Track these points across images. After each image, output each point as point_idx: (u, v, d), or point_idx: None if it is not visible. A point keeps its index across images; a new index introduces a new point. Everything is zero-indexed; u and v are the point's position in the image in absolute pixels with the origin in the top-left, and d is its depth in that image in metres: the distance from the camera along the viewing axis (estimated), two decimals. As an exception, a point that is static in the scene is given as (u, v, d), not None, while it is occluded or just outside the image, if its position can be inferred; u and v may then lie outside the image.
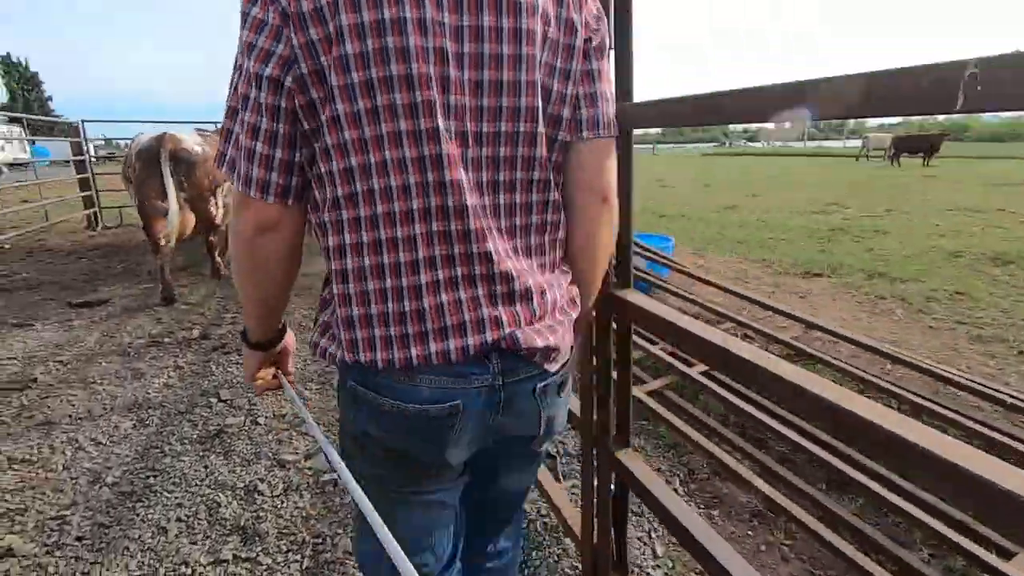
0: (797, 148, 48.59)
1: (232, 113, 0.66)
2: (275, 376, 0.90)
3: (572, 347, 0.79)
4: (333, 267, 0.70)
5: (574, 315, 0.79)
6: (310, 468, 1.98)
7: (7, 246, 6.53)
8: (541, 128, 0.69)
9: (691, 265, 5.25)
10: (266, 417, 2.36)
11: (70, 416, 2.40)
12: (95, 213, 7.85)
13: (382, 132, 0.63)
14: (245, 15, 0.62)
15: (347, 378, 0.73)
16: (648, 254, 4.37)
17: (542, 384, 0.75)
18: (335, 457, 0.68)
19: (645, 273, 4.09)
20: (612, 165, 0.78)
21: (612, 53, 0.86)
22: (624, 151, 0.88)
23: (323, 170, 0.65)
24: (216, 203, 4.31)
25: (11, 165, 18.33)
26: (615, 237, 0.86)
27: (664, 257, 4.36)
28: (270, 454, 2.08)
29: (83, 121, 7.96)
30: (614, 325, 0.98)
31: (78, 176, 7.86)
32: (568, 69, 0.70)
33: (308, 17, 0.59)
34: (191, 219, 4.16)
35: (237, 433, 2.23)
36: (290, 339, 0.89)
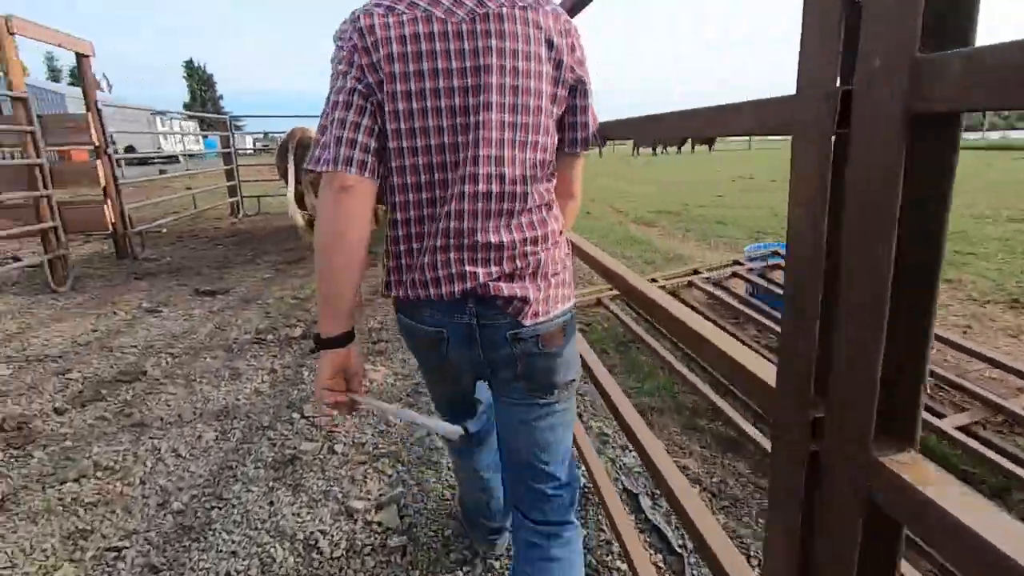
0: (971, 140, 41.02)
1: (322, 130, 0.92)
2: (344, 396, 1.01)
3: (567, 312, 1.03)
4: (388, 234, 1.00)
5: (556, 281, 1.01)
6: (379, 523, 1.68)
7: (164, 230, 7.23)
8: (534, 154, 0.97)
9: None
10: (344, 444, 2.12)
11: (161, 419, 2.35)
12: (237, 202, 8.52)
13: (417, 144, 0.92)
14: (335, 56, 0.92)
15: (397, 310, 1.05)
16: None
17: (512, 332, 0.97)
18: (432, 424, 1.01)
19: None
20: (579, 173, 1.11)
21: None
22: (943, 154, 0.40)
23: (386, 165, 0.95)
24: None
25: (188, 156, 21.05)
26: (576, 215, 1.17)
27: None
28: (339, 496, 1.82)
29: (231, 117, 8.66)
30: (867, 510, 0.49)
31: (224, 167, 8.58)
32: (552, 92, 0.98)
33: (365, 49, 0.88)
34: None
35: (310, 463, 2.01)
36: (357, 351, 1.01)
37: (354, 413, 1.22)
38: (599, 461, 1.84)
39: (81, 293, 4.38)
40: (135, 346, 3.21)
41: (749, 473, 1.96)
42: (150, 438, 2.20)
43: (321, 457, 2.04)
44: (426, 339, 1.00)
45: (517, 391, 1.04)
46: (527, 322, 0.95)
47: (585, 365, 1.95)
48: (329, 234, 0.89)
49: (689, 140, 29.24)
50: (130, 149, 17.69)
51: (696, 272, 3.65)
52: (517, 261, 0.95)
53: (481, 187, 0.92)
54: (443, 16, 0.88)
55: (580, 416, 2.32)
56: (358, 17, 0.89)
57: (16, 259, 5.32)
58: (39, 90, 23.16)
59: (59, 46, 4.74)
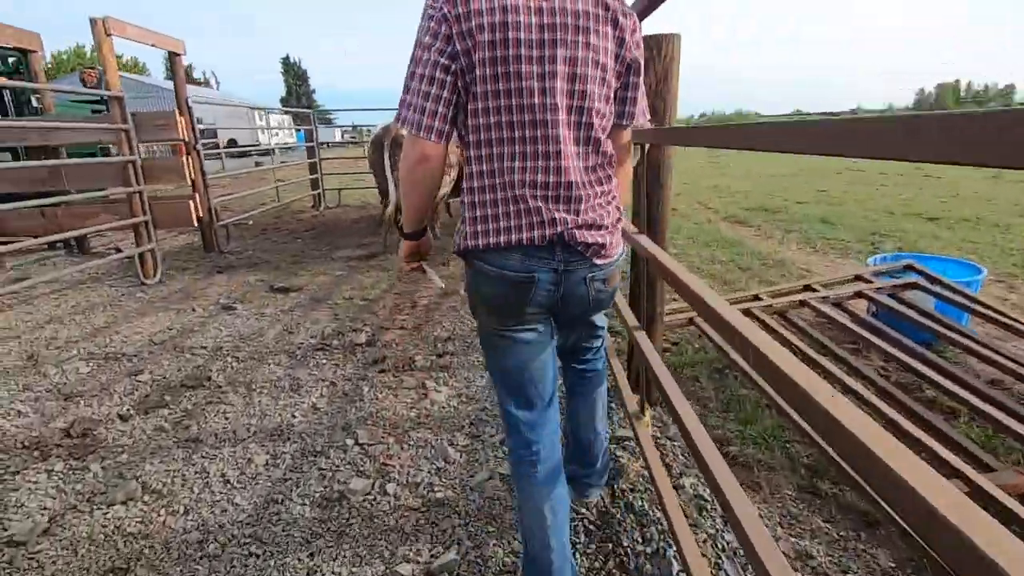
0: None
1: (407, 89, 1.07)
2: (419, 264, 1.40)
3: (621, 255, 1.26)
4: (464, 186, 1.15)
5: (618, 228, 1.24)
6: (427, 598, 1.43)
7: (251, 222, 7.48)
8: (599, 105, 1.14)
9: (994, 299, 3.61)
10: (397, 483, 1.89)
11: (216, 436, 2.24)
12: (319, 194, 8.70)
13: (500, 104, 1.06)
14: (422, 25, 1.05)
15: (470, 257, 1.17)
16: (939, 290, 2.98)
17: (590, 275, 1.18)
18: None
19: (932, 320, 2.76)
20: (628, 143, 1.33)
21: None
22: None
23: (468, 123, 1.10)
24: None
25: (282, 148, 22.28)
26: (630, 182, 1.48)
27: (968, 297, 2.92)
28: (386, 554, 1.58)
29: (315, 111, 8.84)
30: None
31: (308, 160, 8.78)
32: (614, 67, 1.14)
33: (456, 17, 1.01)
34: None
35: (359, 506, 1.79)
36: (427, 239, 1.35)
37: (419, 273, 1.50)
38: (692, 539, 1.47)
39: (167, 285, 4.52)
40: (205, 347, 3.19)
41: (892, 568, 1.53)
42: (202, 457, 2.09)
43: (371, 499, 1.82)
44: (514, 284, 1.14)
45: (580, 315, 1.29)
46: (600, 262, 1.18)
47: (670, 403, 1.59)
48: (410, 181, 1.14)
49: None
50: (232, 143, 18.88)
51: (809, 288, 3.11)
52: (591, 213, 1.14)
53: (563, 146, 1.10)
54: None
55: (668, 469, 1.96)
56: None
57: (118, 250, 5.64)
58: (154, 88, 25.36)
59: (153, 45, 4.90)
